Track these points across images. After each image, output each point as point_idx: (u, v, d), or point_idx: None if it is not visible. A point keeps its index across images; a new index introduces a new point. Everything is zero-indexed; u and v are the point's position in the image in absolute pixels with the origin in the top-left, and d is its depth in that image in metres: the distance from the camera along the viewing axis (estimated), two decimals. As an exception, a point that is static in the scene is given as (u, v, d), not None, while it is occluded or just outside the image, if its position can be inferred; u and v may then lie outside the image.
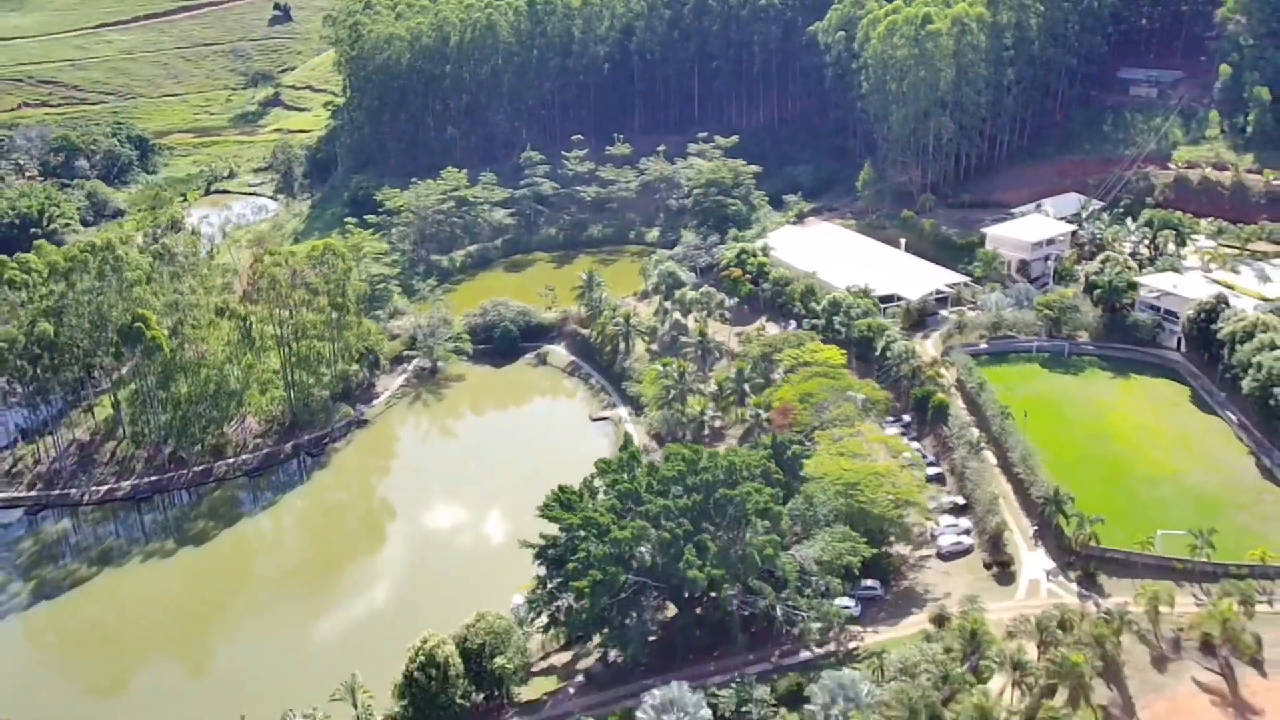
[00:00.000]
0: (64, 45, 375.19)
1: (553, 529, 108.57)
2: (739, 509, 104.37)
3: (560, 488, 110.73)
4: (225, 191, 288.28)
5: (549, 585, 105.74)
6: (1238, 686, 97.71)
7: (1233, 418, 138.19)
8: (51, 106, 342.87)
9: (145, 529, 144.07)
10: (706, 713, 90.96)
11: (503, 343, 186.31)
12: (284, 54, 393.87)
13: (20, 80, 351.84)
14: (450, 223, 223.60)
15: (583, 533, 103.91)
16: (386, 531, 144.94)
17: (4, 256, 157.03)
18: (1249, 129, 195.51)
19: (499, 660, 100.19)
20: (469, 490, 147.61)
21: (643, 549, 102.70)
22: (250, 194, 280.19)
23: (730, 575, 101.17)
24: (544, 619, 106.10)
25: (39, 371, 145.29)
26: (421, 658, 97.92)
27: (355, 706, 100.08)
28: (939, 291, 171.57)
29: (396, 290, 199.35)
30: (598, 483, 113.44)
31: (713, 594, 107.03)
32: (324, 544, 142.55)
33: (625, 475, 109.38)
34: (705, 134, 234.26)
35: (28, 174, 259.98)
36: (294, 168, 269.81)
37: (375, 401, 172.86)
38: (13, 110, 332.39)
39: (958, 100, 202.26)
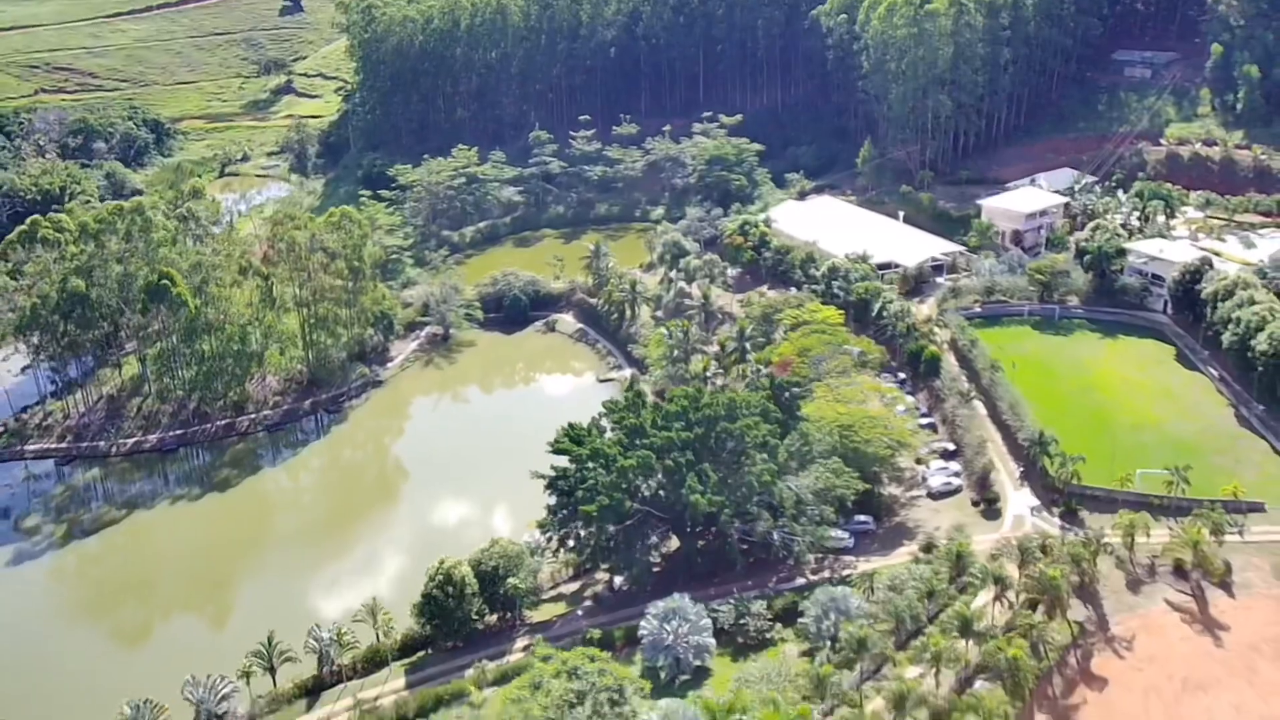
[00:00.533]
0: (79, 33, 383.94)
1: (563, 466, 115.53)
2: (739, 442, 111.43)
3: (570, 424, 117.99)
4: (239, 174, 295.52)
5: (559, 514, 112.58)
6: (1207, 606, 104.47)
7: (1214, 373, 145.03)
8: (68, 93, 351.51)
9: (171, 478, 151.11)
10: (707, 621, 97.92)
11: (512, 311, 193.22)
12: (295, 43, 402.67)
13: (37, 67, 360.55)
14: (461, 199, 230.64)
15: (591, 464, 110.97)
16: (403, 479, 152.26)
17: (37, 216, 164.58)
18: (1239, 106, 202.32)
19: (511, 581, 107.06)
20: (481, 443, 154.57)
21: (646, 480, 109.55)
22: (264, 176, 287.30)
23: (730, 502, 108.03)
24: (554, 542, 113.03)
25: (70, 327, 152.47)
26: (440, 577, 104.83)
27: (375, 624, 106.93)
28: (935, 259, 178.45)
29: (409, 262, 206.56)
30: (605, 422, 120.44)
31: (713, 529, 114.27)
32: (343, 491, 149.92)
33: (631, 413, 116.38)
34: (710, 114, 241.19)
35: (47, 155, 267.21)
36: (308, 147, 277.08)
37: (390, 364, 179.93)
38: (31, 96, 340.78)
39: (955, 79, 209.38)
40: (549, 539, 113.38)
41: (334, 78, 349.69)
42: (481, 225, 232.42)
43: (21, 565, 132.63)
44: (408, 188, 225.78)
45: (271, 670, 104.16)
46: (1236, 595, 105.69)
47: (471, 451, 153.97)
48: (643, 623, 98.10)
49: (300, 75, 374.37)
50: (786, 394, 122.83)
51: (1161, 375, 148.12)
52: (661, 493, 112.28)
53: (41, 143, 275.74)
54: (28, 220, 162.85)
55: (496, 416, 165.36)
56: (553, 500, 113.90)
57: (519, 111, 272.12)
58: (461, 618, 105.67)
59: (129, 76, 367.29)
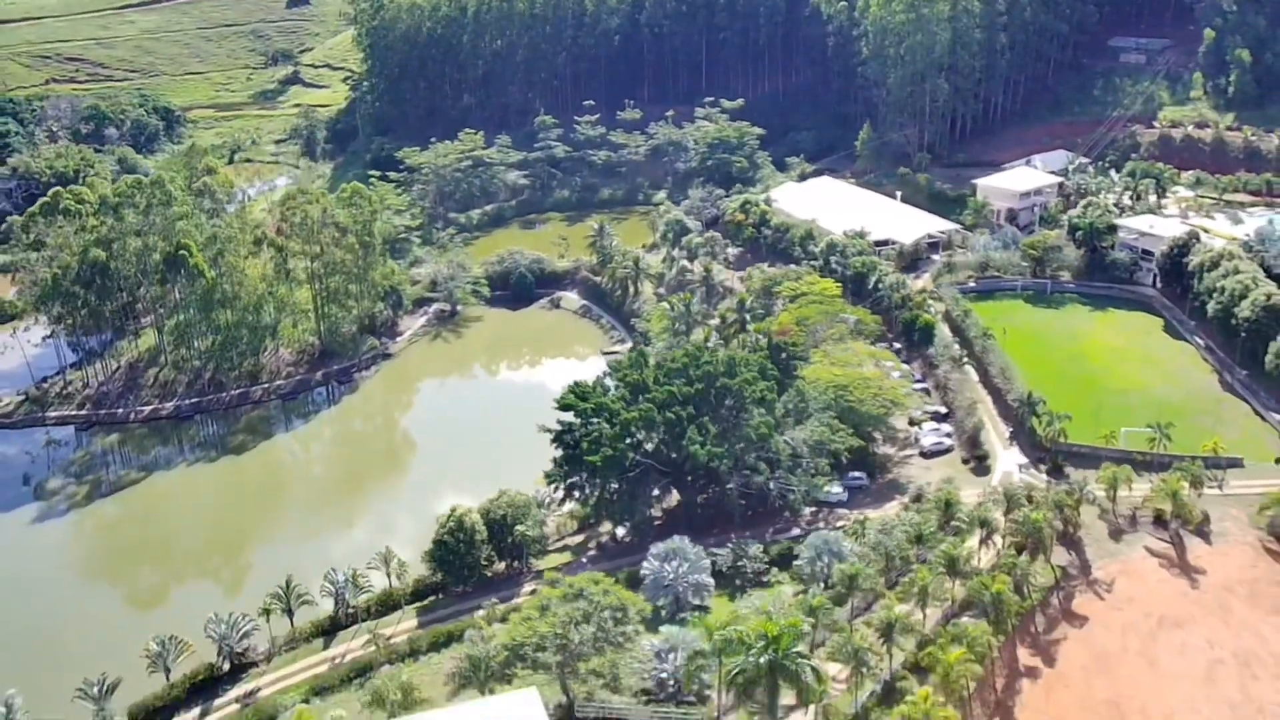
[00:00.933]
0: (89, 24, 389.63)
1: (568, 421, 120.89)
2: (737, 397, 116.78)
3: (575, 381, 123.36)
4: (249, 160, 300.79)
5: (565, 466, 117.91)
6: (1185, 552, 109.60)
7: (1200, 342, 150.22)
8: (78, 82, 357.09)
9: (187, 443, 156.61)
10: (705, 562, 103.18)
11: (518, 288, 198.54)
12: (301, 35, 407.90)
13: (48, 57, 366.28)
14: (468, 182, 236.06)
15: (595, 418, 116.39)
16: (413, 444, 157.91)
17: (59, 188, 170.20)
18: (1230, 89, 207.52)
19: (519, 528, 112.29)
20: (489, 411, 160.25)
21: (648, 433, 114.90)
22: (273, 162, 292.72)
23: (728, 454, 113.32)
24: (560, 493, 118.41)
25: (90, 297, 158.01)
26: (451, 523, 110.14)
27: (388, 570, 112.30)
28: (931, 236, 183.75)
29: (417, 241, 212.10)
30: (608, 381, 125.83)
31: (713, 484, 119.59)
32: (355, 455, 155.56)
33: (634, 371, 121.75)
34: (712, 99, 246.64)
35: (60, 141, 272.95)
36: (316, 133, 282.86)
37: (399, 338, 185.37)
38: (42, 85, 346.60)
39: (953, 63, 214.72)
40: (555, 489, 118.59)
41: (340, 68, 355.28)
42: (488, 208, 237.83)
43: (45, 523, 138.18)
44: (415, 170, 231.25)
45: (289, 612, 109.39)
46: (1213, 542, 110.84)
47: (479, 418, 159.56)
48: (644, 563, 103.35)
49: (307, 66, 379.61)
50: (784, 354, 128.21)
51: (1149, 344, 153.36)
52: (663, 447, 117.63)
53: (54, 128, 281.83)
54: (49, 192, 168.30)
55: (503, 386, 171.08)
56: (558, 454, 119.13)
57: (525, 99, 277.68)
58: (471, 563, 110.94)
59: (138, 67, 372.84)
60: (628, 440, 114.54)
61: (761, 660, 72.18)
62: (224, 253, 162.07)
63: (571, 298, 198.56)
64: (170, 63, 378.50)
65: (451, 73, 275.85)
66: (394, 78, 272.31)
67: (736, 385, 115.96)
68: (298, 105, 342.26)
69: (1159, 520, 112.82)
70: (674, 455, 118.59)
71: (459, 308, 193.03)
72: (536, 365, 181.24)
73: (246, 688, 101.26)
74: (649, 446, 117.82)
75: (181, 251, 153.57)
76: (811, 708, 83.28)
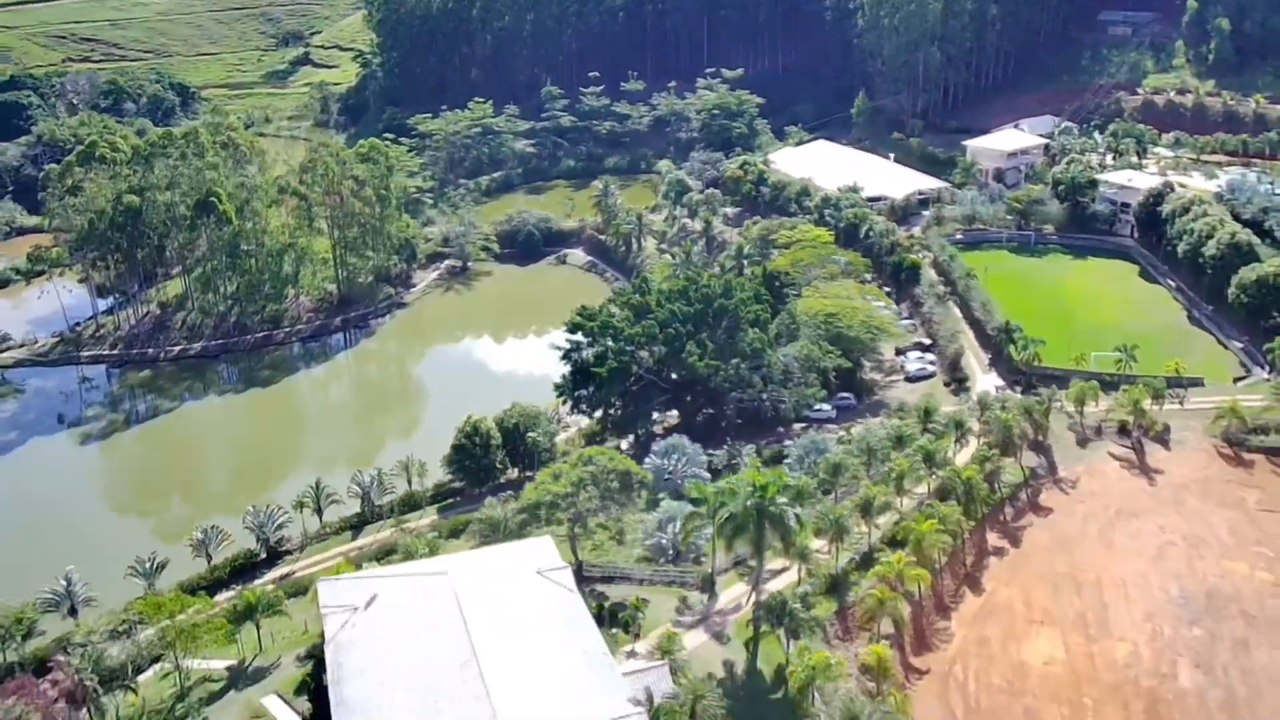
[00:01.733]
0: (103, 7, 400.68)
1: (577, 340, 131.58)
2: (733, 317, 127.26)
3: (583, 305, 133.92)
4: (262, 135, 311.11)
5: (574, 380, 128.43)
6: (1145, 456, 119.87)
7: (1171, 284, 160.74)
8: (94, 62, 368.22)
9: (215, 379, 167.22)
10: (703, 458, 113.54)
11: (526, 245, 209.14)
12: (311, 18, 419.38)
13: (64, 37, 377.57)
14: (477, 149, 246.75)
15: (601, 335, 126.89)
16: (428, 377, 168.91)
17: (95, 137, 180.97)
18: (1211, 57, 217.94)
19: (531, 435, 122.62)
20: (500, 350, 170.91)
21: (650, 348, 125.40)
22: (287, 136, 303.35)
23: (724, 366, 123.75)
24: (568, 405, 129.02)
25: (123, 241, 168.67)
26: (468, 429, 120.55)
27: (409, 475, 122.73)
28: (921, 193, 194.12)
29: (429, 202, 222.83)
30: (613, 307, 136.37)
31: (710, 405, 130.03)
32: (375, 386, 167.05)
33: (637, 295, 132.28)
34: (713, 69, 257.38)
35: (80, 113, 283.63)
36: (330, 104, 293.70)
37: (412, 290, 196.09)
38: (58, 64, 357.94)
39: (945, 33, 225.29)
40: (564, 402, 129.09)
41: (350, 48, 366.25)
42: (496, 175, 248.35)
43: (85, 445, 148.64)
44: (427, 136, 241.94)
45: (319, 511, 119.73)
46: (1172, 448, 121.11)
47: (491, 357, 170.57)
48: (646, 459, 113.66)
49: (317, 47, 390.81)
50: (777, 281, 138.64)
51: (1124, 288, 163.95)
52: (664, 365, 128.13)
53: (75, 101, 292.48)
54: (85, 141, 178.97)
55: (512, 329, 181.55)
56: (567, 370, 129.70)
57: (532, 74, 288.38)
58: (486, 466, 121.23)
59: (152, 48, 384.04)
60: (631, 355, 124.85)
61: (748, 504, 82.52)
62: (250, 201, 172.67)
63: (578, 254, 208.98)
64: (183, 44, 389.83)
65: (461, 47, 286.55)
66: (405, 52, 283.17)
67: (733, 306, 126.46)
68: (309, 84, 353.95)
69: (1122, 430, 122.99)
70: (674, 376, 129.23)
71: (469, 263, 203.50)
72: (544, 313, 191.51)
73: (282, 570, 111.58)
74: (650, 362, 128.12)
75: (211, 198, 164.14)
76: (796, 568, 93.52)
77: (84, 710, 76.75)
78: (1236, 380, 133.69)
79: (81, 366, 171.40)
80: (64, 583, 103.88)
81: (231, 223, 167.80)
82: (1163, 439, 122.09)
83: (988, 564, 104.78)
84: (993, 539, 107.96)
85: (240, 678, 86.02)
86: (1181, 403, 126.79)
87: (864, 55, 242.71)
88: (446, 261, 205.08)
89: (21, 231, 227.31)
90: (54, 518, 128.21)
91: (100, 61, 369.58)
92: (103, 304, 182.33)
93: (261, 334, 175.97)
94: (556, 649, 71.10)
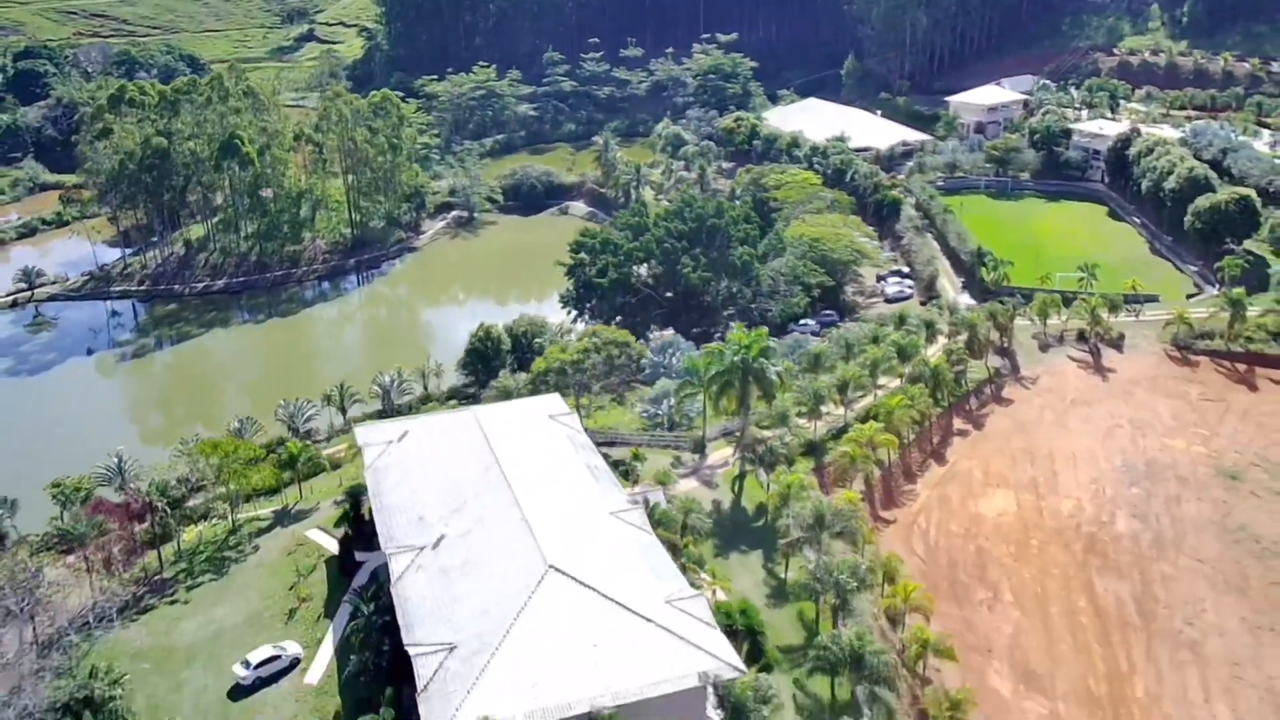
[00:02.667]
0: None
1: (580, 257, 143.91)
2: (724, 235, 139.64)
3: (585, 228, 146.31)
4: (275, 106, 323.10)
5: (578, 293, 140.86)
6: (1100, 358, 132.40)
7: (1137, 220, 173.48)
8: (103, 37, 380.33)
9: (238, 311, 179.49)
10: (699, 354, 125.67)
11: (529, 198, 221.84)
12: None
13: (74, 13, 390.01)
14: (480, 112, 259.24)
15: (603, 251, 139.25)
16: (441, 306, 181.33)
17: (124, 81, 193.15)
18: (1184, 20, 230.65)
19: (538, 341, 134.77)
20: (507, 282, 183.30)
21: (647, 262, 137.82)
22: (297, 106, 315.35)
23: (716, 278, 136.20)
24: (573, 314, 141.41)
25: (150, 181, 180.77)
26: (480, 333, 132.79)
27: (425, 380, 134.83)
28: (905, 144, 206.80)
29: (436, 159, 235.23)
30: (613, 229, 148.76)
31: (704, 320, 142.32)
32: (390, 315, 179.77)
33: (635, 217, 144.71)
34: (708, 35, 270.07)
35: (95, 81, 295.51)
36: (339, 71, 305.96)
37: (421, 237, 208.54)
38: (69, 39, 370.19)
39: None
40: (567, 311, 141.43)
41: (354, 24, 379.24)
42: (499, 137, 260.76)
43: (121, 364, 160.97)
44: (433, 98, 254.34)
45: (343, 410, 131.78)
46: (1125, 352, 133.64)
47: (499, 290, 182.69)
48: (644, 359, 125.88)
49: (322, 24, 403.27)
50: (766, 206, 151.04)
51: (1092, 225, 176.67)
52: (660, 279, 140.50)
53: (89, 70, 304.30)
54: (115, 86, 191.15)
55: (518, 268, 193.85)
56: (571, 284, 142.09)
57: (534, 44, 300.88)
58: (496, 368, 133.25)
59: (160, 24, 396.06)
60: (630, 269, 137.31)
61: (734, 360, 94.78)
62: (270, 145, 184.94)
63: (578, 206, 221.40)
64: (189, 20, 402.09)
65: (464, 16, 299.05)
66: (409, 22, 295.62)
67: (724, 225, 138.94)
68: (314, 59, 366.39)
69: (1081, 337, 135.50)
70: (669, 293, 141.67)
71: (475, 214, 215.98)
72: (547, 258, 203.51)
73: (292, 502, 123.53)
74: (648, 277, 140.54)
75: (235, 140, 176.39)
76: (777, 435, 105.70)
77: (151, 530, 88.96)
78: (1189, 297, 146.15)
79: (111, 301, 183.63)
80: (115, 460, 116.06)
81: (254, 164, 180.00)
82: (1117, 344, 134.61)
83: (952, 442, 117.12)
84: (958, 423, 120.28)
85: (285, 518, 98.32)
86: (1137, 316, 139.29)
87: (854, 21, 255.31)
88: (454, 212, 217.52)
89: (44, 188, 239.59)
90: (92, 424, 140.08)
91: (109, 37, 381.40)
92: (130, 251, 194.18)
93: (280, 272, 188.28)
94: (566, 464, 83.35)
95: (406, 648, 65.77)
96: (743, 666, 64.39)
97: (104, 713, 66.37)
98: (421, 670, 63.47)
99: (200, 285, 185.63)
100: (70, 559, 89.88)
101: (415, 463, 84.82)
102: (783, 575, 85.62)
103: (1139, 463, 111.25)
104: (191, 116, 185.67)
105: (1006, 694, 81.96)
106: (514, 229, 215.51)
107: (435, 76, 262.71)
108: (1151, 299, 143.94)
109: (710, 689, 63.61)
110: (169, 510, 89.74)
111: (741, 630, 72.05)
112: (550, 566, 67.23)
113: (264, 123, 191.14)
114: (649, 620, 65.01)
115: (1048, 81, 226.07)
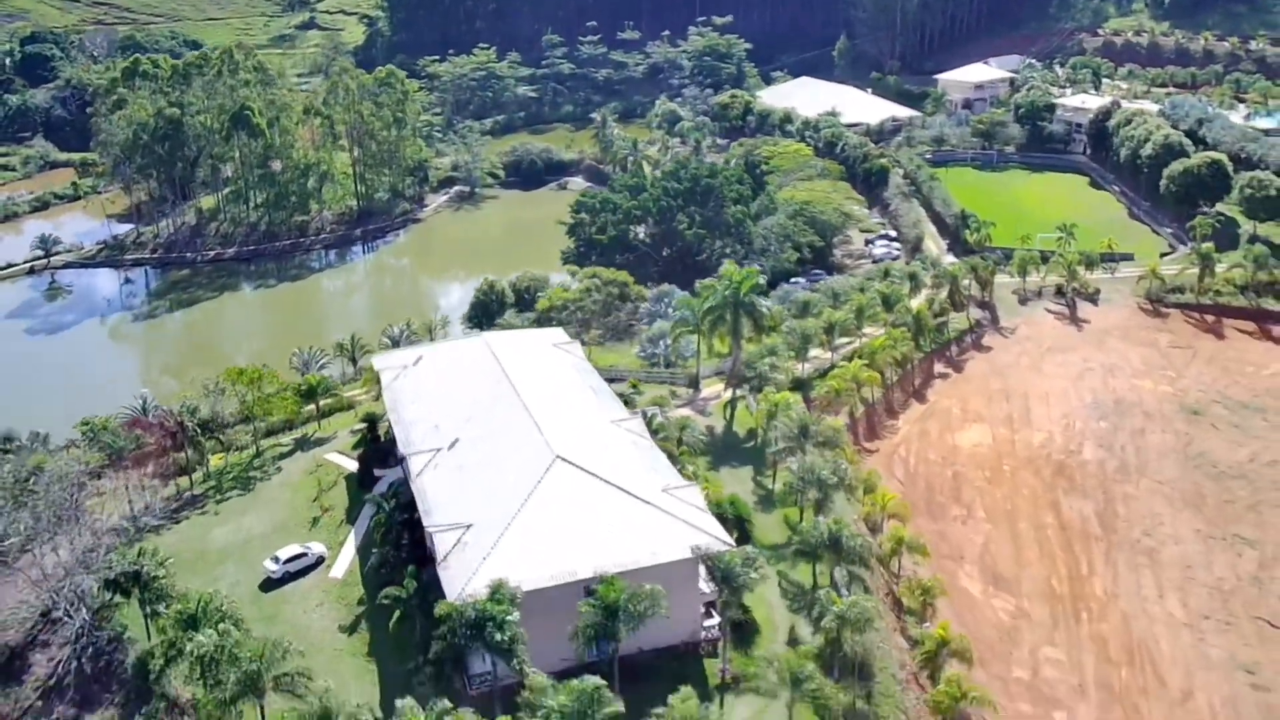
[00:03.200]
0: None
1: (580, 216, 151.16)
2: (718, 195, 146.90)
3: (586, 189, 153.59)
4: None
5: (579, 250, 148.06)
6: (1077, 311, 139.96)
7: (1116, 188, 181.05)
8: (106, 24, 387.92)
9: (249, 276, 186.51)
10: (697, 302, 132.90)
11: (529, 174, 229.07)
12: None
13: (77, 0, 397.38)
14: (480, 93, 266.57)
15: (602, 211, 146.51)
16: (444, 273, 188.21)
17: (138, 54, 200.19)
18: (1167, 0, 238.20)
19: (540, 295, 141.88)
20: (508, 252, 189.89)
21: (646, 220, 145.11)
22: (301, 90, 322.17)
23: (711, 236, 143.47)
24: (576, 270, 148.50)
25: (163, 151, 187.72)
26: (485, 286, 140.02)
27: (432, 334, 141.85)
28: (895, 119, 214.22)
29: (439, 136, 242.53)
30: (611, 191, 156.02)
31: (699, 277, 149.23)
32: (395, 281, 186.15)
33: (633, 178, 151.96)
34: (704, 19, 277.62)
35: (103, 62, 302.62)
36: (341, 56, 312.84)
37: (424, 210, 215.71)
38: (74, 25, 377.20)
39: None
40: (569, 271, 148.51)
41: (355, 12, 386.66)
42: (499, 118, 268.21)
43: (135, 324, 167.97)
44: (434, 78, 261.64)
45: (354, 360, 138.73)
46: (1100, 305, 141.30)
47: (500, 257, 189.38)
48: (642, 306, 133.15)
49: (323, 12, 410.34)
50: (759, 169, 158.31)
51: (1074, 194, 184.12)
52: (656, 238, 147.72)
53: (95, 54, 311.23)
54: (129, 58, 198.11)
55: (519, 239, 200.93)
56: (573, 242, 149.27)
57: (533, 29, 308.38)
58: (503, 323, 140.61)
59: (162, 11, 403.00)
60: (629, 228, 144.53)
61: (726, 293, 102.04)
62: (280, 117, 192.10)
63: (578, 181, 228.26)
64: (191, 8, 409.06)
65: (465, 1, 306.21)
66: (411, 6, 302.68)
67: (719, 184, 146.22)
68: (317, 46, 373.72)
69: (1059, 291, 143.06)
70: (666, 251, 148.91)
71: (477, 189, 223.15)
72: (546, 230, 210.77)
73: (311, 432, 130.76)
74: (646, 237, 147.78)
75: (245, 111, 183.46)
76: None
77: (182, 447, 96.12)
78: (1162, 256, 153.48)
79: (125, 270, 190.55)
80: (139, 400, 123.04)
81: (264, 135, 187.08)
82: (1093, 299, 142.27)
83: (933, 384, 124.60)
84: (939, 367, 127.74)
85: (305, 444, 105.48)
86: (1112, 273, 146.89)
87: (846, 4, 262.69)
88: (456, 187, 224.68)
89: (54, 165, 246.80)
90: (112, 376, 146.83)
91: (112, 24, 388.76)
92: (142, 223, 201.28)
93: (289, 241, 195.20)
94: (571, 382, 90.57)
95: (426, 529, 72.98)
96: (731, 541, 71.65)
97: (151, 590, 73.36)
98: (441, 546, 70.65)
99: (211, 253, 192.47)
100: (104, 479, 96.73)
101: (430, 382, 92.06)
102: (770, 486, 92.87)
103: (1108, 400, 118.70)
104: (203, 90, 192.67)
105: (976, 593, 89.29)
106: (515, 203, 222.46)
107: (437, 58, 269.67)
108: (1126, 257, 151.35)
109: (702, 565, 70.71)
110: (199, 430, 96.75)
111: (731, 519, 79.31)
112: (557, 456, 74.44)
113: (272, 96, 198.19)
114: (647, 503, 72.25)
115: (1034, 61, 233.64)
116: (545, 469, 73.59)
